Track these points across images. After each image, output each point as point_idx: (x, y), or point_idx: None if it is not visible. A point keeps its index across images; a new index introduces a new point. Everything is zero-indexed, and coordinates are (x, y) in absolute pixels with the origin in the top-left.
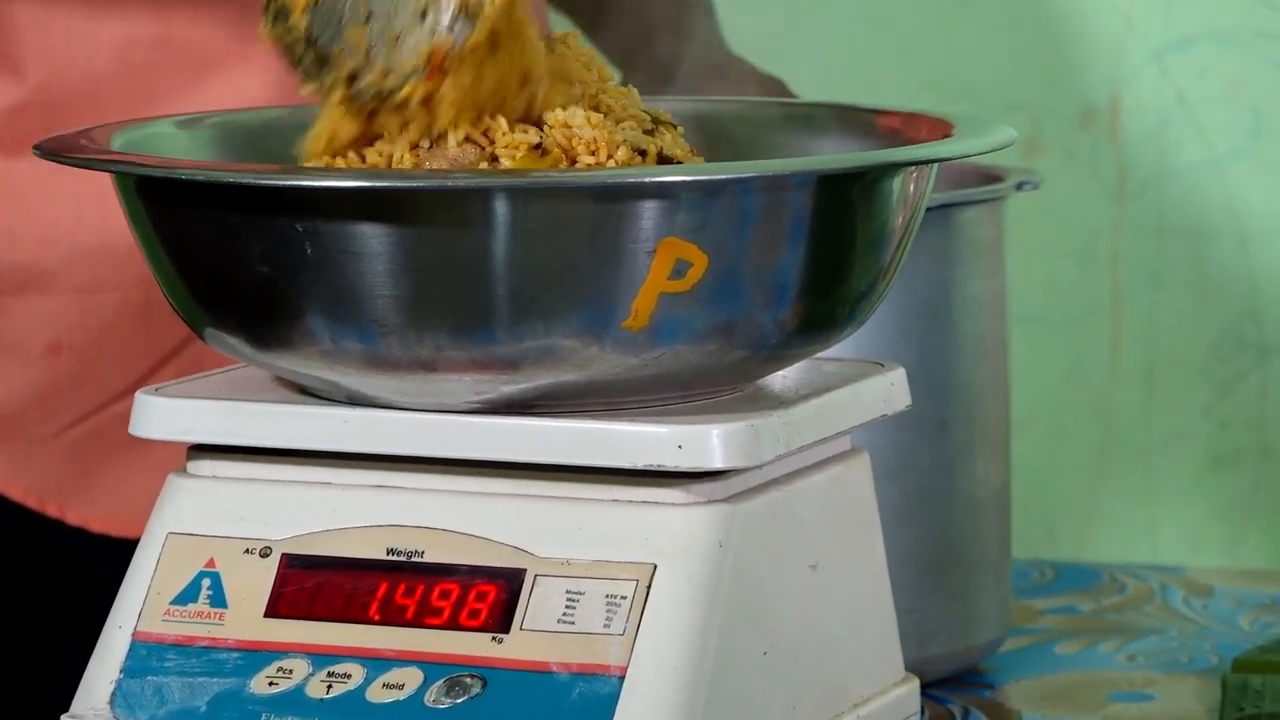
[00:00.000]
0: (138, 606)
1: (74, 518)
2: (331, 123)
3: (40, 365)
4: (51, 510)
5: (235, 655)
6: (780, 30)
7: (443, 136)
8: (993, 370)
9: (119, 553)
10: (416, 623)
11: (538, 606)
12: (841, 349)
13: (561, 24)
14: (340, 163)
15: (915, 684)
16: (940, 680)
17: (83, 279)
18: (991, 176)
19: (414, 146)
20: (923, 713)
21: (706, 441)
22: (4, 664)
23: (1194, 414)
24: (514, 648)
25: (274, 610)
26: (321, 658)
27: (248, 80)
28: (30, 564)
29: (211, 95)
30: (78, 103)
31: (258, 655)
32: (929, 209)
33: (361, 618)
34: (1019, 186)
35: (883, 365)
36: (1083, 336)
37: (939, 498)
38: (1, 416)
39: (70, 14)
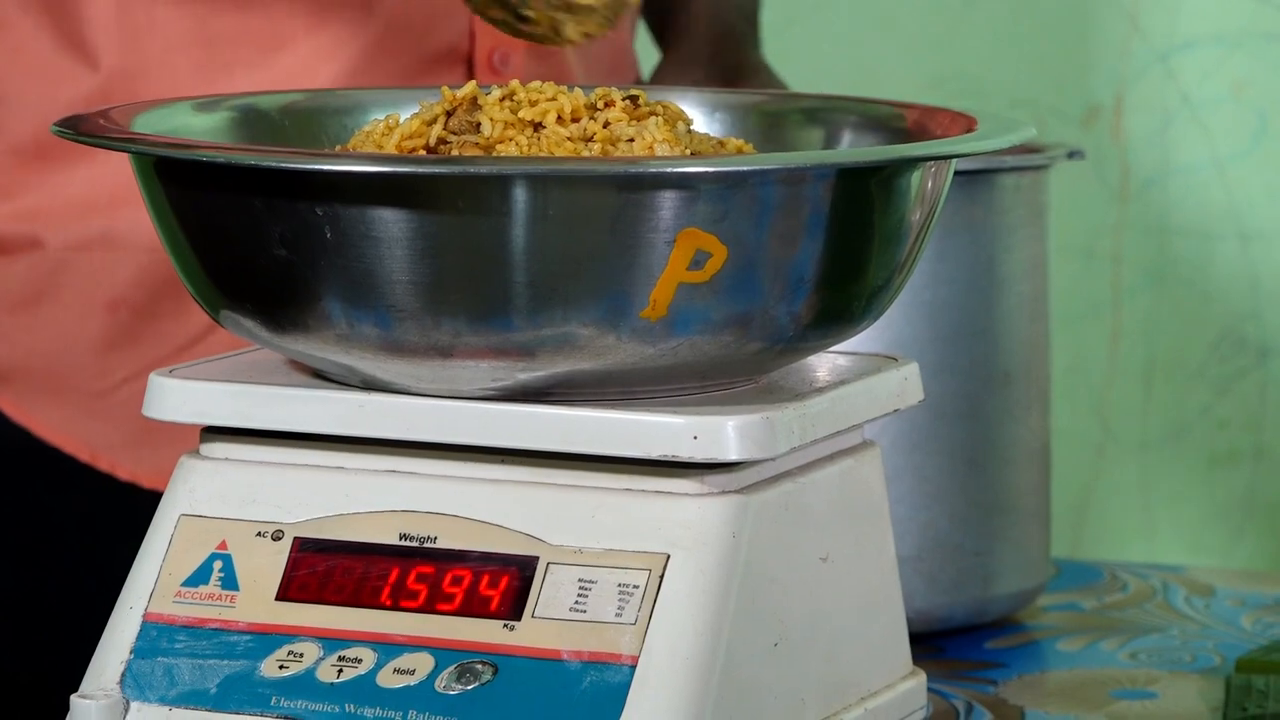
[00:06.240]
0: (149, 587)
1: (125, 473)
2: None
3: (99, 321)
4: (103, 465)
5: (246, 638)
6: (784, 27)
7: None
8: (1043, 329)
9: None
10: (428, 608)
11: (550, 594)
12: (914, 306)
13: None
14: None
15: (922, 678)
16: (980, 626)
17: (148, 239)
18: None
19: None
20: (927, 707)
21: (722, 433)
22: (55, 618)
23: (1192, 413)
24: (526, 635)
25: (285, 594)
26: (332, 642)
27: (318, 59)
28: (81, 518)
29: (282, 72)
30: (154, 75)
31: (268, 638)
32: (992, 171)
33: (373, 602)
34: (1070, 155)
35: (896, 360)
36: (1083, 334)
37: (1002, 446)
38: (58, 371)
39: None
